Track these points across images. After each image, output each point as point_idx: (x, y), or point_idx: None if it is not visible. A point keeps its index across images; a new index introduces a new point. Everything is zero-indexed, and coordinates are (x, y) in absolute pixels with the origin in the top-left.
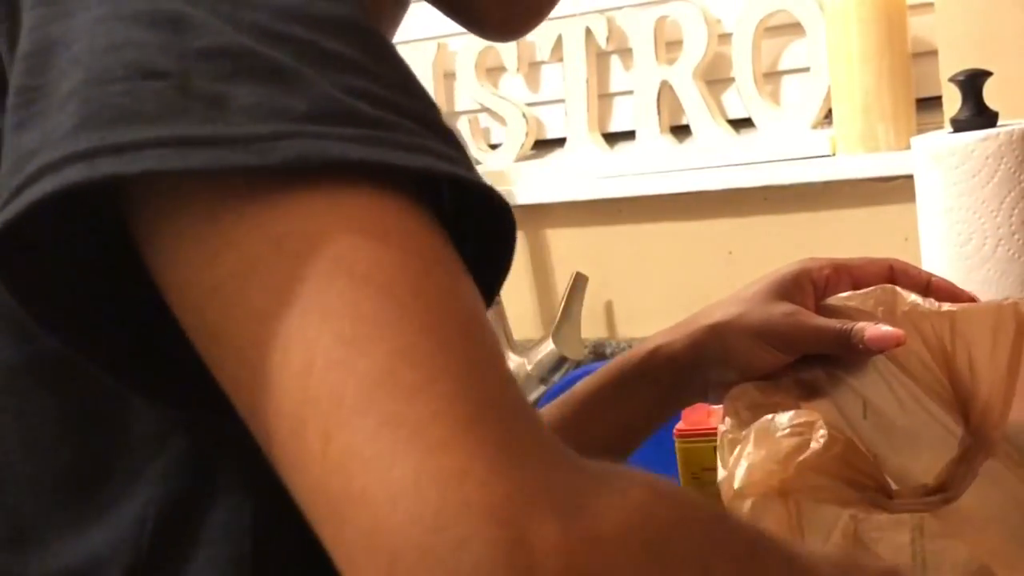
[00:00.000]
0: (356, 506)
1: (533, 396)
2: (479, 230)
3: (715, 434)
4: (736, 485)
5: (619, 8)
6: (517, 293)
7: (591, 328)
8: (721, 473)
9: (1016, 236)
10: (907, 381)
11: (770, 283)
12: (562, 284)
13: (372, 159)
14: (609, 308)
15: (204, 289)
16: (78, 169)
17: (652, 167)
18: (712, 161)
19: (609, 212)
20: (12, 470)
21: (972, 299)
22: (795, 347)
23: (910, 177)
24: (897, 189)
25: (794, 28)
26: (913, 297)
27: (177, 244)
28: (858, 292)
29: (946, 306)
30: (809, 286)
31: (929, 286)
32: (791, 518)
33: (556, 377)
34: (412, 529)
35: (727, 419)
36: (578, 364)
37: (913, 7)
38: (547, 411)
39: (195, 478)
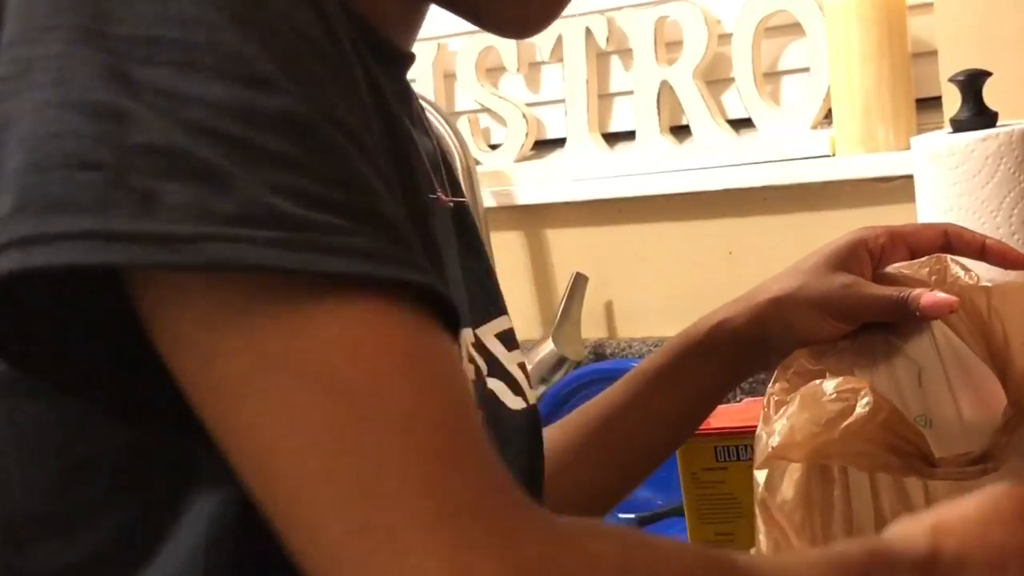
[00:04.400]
0: None
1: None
2: None
3: (714, 434)
4: (775, 442)
5: (619, 8)
6: (517, 293)
7: (591, 328)
8: (760, 429)
9: (1016, 236)
10: (965, 350)
11: (828, 254)
12: (562, 284)
13: (287, 265)
14: (609, 308)
15: (203, 386)
16: (12, 257)
17: (652, 167)
18: (712, 161)
19: (609, 212)
20: (8, 473)
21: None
22: (854, 317)
23: (910, 177)
24: (897, 189)
25: (794, 28)
26: (957, 270)
27: (171, 333)
28: (912, 262)
29: (983, 282)
30: (866, 255)
31: (984, 248)
32: (834, 482)
33: (556, 377)
34: None
35: (776, 384)
36: (578, 364)
37: (913, 7)
38: (613, 391)
39: (175, 482)
